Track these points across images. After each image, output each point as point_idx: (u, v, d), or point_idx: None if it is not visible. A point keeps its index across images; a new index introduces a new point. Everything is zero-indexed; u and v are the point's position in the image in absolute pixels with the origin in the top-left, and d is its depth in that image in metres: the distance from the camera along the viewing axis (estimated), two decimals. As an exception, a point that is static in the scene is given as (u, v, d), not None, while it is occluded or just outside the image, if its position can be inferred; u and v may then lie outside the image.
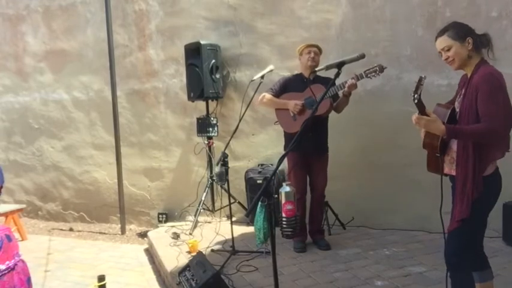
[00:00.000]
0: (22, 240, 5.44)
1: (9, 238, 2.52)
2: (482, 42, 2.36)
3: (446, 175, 2.44)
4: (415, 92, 2.20)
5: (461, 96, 2.37)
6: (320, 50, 4.01)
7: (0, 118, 6.79)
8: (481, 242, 2.40)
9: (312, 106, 3.80)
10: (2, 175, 2.77)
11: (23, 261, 2.61)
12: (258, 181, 4.75)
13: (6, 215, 5.38)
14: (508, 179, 3.93)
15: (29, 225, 6.25)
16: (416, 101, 2.21)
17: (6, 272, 2.43)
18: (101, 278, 2.89)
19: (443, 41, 2.36)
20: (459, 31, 2.33)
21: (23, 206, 6.00)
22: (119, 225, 5.75)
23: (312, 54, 3.94)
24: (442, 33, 2.37)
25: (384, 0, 4.46)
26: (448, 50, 2.34)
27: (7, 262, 2.45)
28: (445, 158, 2.41)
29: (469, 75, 2.36)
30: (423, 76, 2.22)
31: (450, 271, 2.41)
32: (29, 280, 2.63)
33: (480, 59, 2.36)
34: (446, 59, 2.38)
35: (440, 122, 2.27)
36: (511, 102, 2.28)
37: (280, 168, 2.28)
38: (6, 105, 6.71)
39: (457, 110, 2.39)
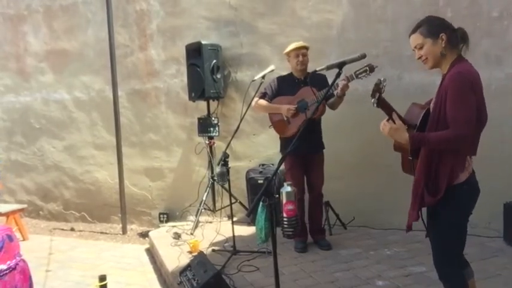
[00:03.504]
0: (23, 240, 5.45)
1: (10, 238, 2.53)
2: (458, 37, 2.17)
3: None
4: (372, 96, 2.10)
5: (435, 97, 2.22)
6: (308, 48, 3.99)
7: (1, 118, 6.80)
8: (461, 249, 2.26)
9: (304, 110, 3.82)
10: None
11: (24, 261, 2.62)
12: (259, 181, 4.76)
13: (7, 215, 5.39)
14: (508, 179, 3.96)
15: (30, 225, 6.25)
16: (374, 105, 2.12)
17: (7, 271, 2.45)
18: (102, 278, 2.89)
19: (415, 39, 2.20)
20: (432, 27, 2.16)
21: (24, 206, 6.01)
22: (120, 225, 5.76)
23: (301, 58, 3.94)
24: (415, 29, 2.21)
25: (385, 0, 4.46)
26: (421, 48, 2.19)
27: (8, 262, 2.46)
28: (418, 161, 2.26)
29: (444, 74, 2.20)
30: (382, 79, 2.10)
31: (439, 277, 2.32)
32: (30, 280, 2.64)
33: (456, 56, 2.17)
34: (419, 58, 2.23)
35: (404, 129, 2.16)
36: (485, 103, 2.14)
37: (281, 168, 2.28)
38: (8, 105, 6.71)
39: (431, 110, 2.24)
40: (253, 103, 4.09)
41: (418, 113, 2.27)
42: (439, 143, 2.10)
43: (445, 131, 2.08)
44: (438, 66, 2.23)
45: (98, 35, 5.91)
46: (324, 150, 4.09)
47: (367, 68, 3.45)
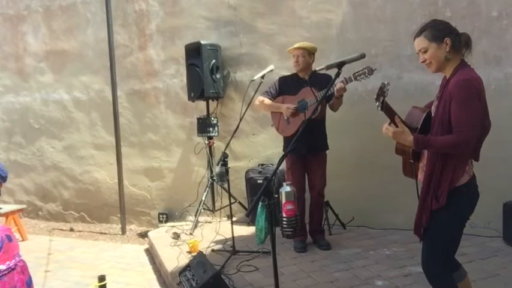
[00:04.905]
0: (22, 240, 5.45)
1: (9, 238, 2.52)
2: (461, 42, 2.19)
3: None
4: (377, 99, 2.11)
5: (437, 101, 2.23)
6: (308, 49, 3.93)
7: (0, 118, 6.80)
8: (453, 252, 2.28)
9: (304, 109, 3.81)
10: (4, 172, 2.77)
11: (23, 261, 2.62)
12: (259, 181, 4.75)
13: (6, 215, 5.39)
14: (508, 179, 3.96)
15: (29, 225, 6.25)
16: (379, 108, 2.13)
17: (6, 272, 2.44)
18: (102, 278, 2.89)
19: (420, 42, 2.21)
20: (437, 32, 2.17)
21: (24, 206, 6.01)
22: (120, 225, 5.76)
23: (295, 58, 3.93)
24: (419, 33, 2.21)
25: (385, 0, 4.46)
26: (425, 52, 2.20)
27: (7, 262, 2.45)
28: (419, 164, 2.31)
29: (447, 78, 2.21)
30: (386, 83, 2.11)
31: (427, 279, 2.33)
32: (29, 280, 2.63)
33: (460, 61, 2.19)
34: (423, 62, 2.24)
35: (409, 132, 2.18)
36: (488, 109, 2.17)
37: (280, 168, 2.29)
38: (7, 106, 6.71)
39: (433, 114, 2.25)
40: (256, 101, 4.09)
41: (419, 116, 2.28)
42: (442, 147, 2.12)
43: (450, 136, 2.10)
44: (442, 70, 2.24)
45: (97, 35, 5.91)
46: (327, 152, 4.07)
47: (366, 70, 3.42)
